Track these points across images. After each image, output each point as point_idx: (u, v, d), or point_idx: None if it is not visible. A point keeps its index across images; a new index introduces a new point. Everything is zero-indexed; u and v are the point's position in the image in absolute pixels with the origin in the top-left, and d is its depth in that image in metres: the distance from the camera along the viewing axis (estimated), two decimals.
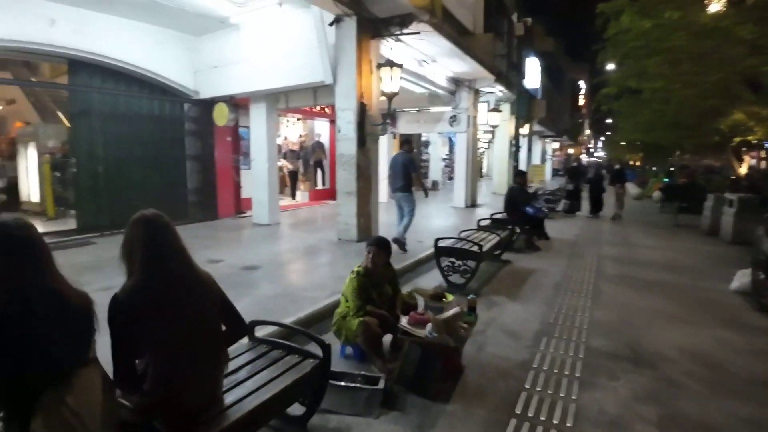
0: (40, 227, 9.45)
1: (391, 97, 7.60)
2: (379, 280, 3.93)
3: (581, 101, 57.02)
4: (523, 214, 8.20)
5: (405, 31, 7.87)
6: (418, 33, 7.92)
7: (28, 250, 1.75)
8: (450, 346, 3.36)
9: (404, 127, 14.12)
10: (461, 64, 11.13)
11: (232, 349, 2.87)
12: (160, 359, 2.03)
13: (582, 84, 54.56)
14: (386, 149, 14.22)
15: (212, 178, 10.66)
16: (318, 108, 13.62)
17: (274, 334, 3.73)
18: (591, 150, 69.64)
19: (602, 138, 66.17)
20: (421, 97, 11.97)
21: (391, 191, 8.18)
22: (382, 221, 9.84)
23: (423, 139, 20.36)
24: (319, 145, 14.48)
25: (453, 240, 5.92)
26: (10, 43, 7.32)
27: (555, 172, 38.39)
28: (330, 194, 14.56)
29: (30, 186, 10.67)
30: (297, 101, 9.74)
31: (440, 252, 5.79)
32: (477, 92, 13.40)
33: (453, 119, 12.95)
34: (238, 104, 10.36)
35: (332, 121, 14.59)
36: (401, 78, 7.99)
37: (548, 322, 4.78)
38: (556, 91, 33.23)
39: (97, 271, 6.30)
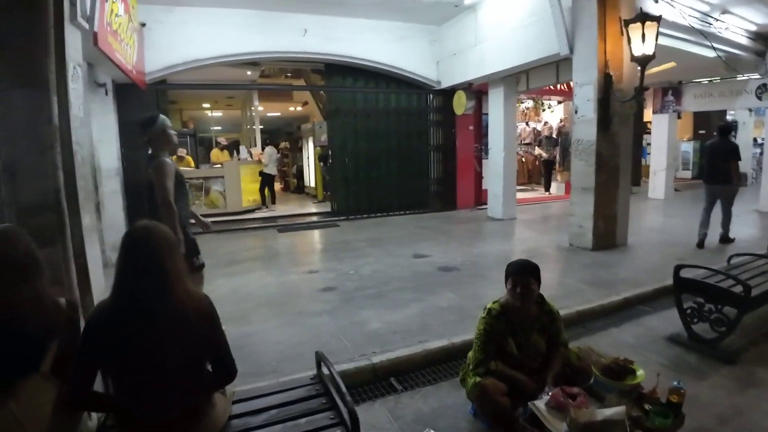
0: (312, 207, 11.21)
1: (644, 62, 5.55)
2: (525, 325, 2.65)
3: None
4: None
5: None
6: None
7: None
8: None
9: (692, 103, 10.67)
10: None
11: (291, 380, 2.52)
12: (119, 390, 1.78)
13: None
14: (665, 132, 11.08)
15: (452, 169, 10.24)
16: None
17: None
18: None
19: None
20: (714, 62, 8.73)
21: (706, 183, 6.68)
22: (649, 225, 7.76)
23: (729, 118, 15.11)
24: None
25: (705, 271, 3.81)
26: (272, 55, 8.49)
27: None
28: None
29: (309, 173, 12.44)
30: (538, 81, 8.32)
31: (682, 286, 3.80)
32: None
33: (761, 90, 9.04)
34: (481, 91, 9.59)
35: None
36: (673, 38, 5.84)
37: None
38: None
39: (312, 254, 6.64)
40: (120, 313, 1.71)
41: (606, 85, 6.03)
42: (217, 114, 16.14)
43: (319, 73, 13.49)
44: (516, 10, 7.33)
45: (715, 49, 7.68)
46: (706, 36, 7.38)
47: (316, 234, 8.39)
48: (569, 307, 4.31)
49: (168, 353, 1.73)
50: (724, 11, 7.57)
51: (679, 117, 11.53)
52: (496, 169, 9.01)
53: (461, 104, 9.30)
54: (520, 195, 11.84)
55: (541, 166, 12.46)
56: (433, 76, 9.74)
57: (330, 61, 9.05)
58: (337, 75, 9.34)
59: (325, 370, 2.48)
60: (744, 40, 8.54)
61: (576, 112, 6.42)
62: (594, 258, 6.06)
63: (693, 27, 7.20)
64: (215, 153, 10.87)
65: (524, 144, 12.97)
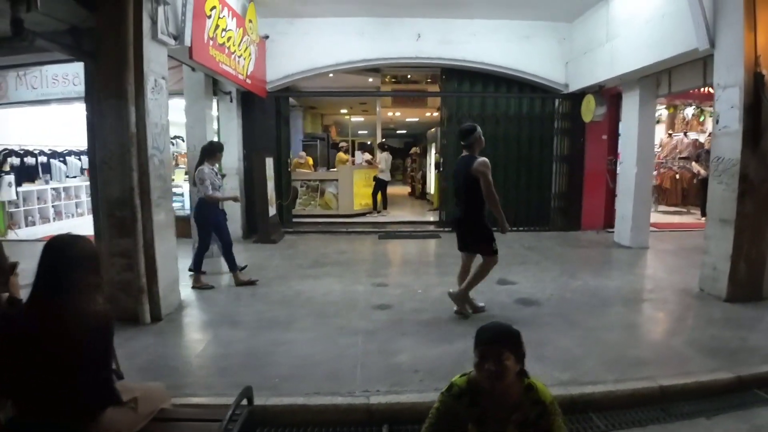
0: (426, 215, 10.72)
1: None
2: (498, 414, 1.90)
3: None
4: None
5: None
6: None
7: None
8: None
9: None
10: None
11: (215, 410, 2.32)
12: (12, 398, 1.84)
13: None
14: None
15: (579, 183, 8.87)
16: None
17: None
18: None
19: None
20: None
21: None
22: None
23: None
24: None
25: None
26: (386, 60, 8.44)
27: None
28: None
29: (430, 179, 12.07)
30: (682, 82, 6.60)
31: None
32: None
33: None
34: (618, 94, 8.11)
35: None
36: None
37: None
38: None
39: (395, 265, 6.27)
40: (29, 325, 1.76)
41: (756, 87, 4.51)
42: (359, 119, 16.69)
43: None
44: None
45: None
46: None
47: (413, 244, 8.03)
48: (652, 379, 3.26)
49: (47, 361, 1.72)
50: None
51: None
52: (627, 186, 7.50)
53: (589, 110, 7.97)
54: (667, 219, 9.90)
55: (699, 185, 10.09)
56: (561, 79, 8.57)
57: (446, 65, 8.60)
58: (453, 79, 8.84)
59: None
60: None
61: (717, 122, 4.95)
62: (726, 312, 4.58)
63: None
64: (340, 156, 11.10)
65: (682, 158, 10.67)
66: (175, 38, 4.87)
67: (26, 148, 9.45)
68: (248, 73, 7.16)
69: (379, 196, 10.59)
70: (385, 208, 10.81)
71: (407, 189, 16.50)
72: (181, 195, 8.13)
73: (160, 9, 4.50)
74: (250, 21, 7.13)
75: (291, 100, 10.75)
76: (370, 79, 10.08)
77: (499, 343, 1.85)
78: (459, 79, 8.80)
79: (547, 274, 6.07)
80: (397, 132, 22.10)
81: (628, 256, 7.00)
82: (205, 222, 5.47)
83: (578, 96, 8.43)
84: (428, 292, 5.37)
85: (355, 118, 16.57)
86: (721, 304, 4.79)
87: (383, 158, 10.44)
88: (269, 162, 7.99)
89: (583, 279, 5.80)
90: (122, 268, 4.46)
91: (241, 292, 5.49)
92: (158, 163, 4.65)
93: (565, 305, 4.90)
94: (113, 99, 4.33)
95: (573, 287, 5.50)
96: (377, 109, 12.36)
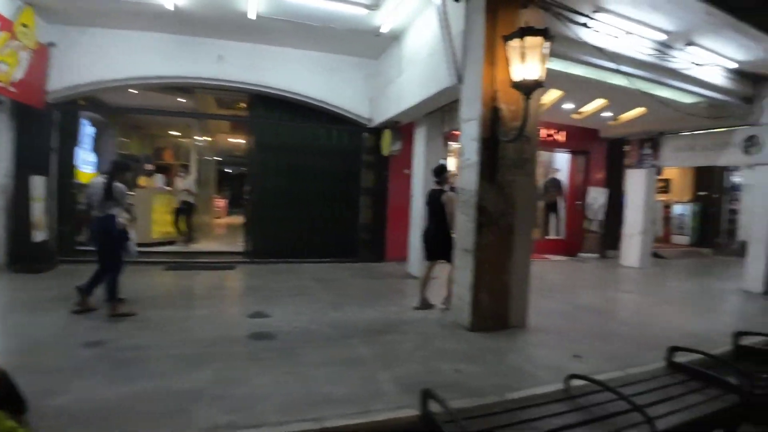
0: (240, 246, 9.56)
1: (528, 90, 4.04)
2: None
3: None
4: None
5: None
6: None
7: None
8: None
9: (671, 157, 8.81)
10: (749, 46, 5.78)
11: None
12: None
13: None
14: (642, 190, 9.22)
15: (382, 216, 8.70)
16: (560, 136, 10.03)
17: None
18: None
19: None
20: (699, 111, 7.06)
21: None
22: (586, 301, 6.27)
23: (738, 181, 12.51)
24: (554, 183, 10.66)
25: None
26: (184, 80, 7.71)
27: None
28: (565, 247, 10.54)
29: None
30: (456, 120, 6.76)
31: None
32: None
33: (749, 143, 7.09)
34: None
35: (574, 152, 10.58)
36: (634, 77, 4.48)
37: None
38: None
39: (145, 300, 5.17)
40: None
41: (493, 121, 4.51)
42: (200, 143, 15.32)
43: None
44: (428, 36, 5.99)
45: (693, 92, 6.36)
46: (669, 74, 5.87)
47: (200, 276, 6.99)
48: (318, 420, 2.79)
49: None
50: (689, 42, 5.83)
51: (659, 173, 9.67)
52: (415, 218, 7.42)
53: (386, 144, 7.90)
54: None
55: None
56: (366, 113, 8.45)
57: (252, 90, 8.01)
58: (260, 106, 8.26)
59: None
60: (724, 82, 6.75)
61: (462, 154, 4.89)
62: (465, 343, 4.35)
63: (654, 63, 5.78)
64: (142, 179, 9.64)
65: None
66: None
67: None
68: (13, 80, 5.92)
69: (182, 222, 9.38)
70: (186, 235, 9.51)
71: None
72: None
73: None
74: (24, 25, 6.00)
75: (97, 115, 9.37)
76: (180, 99, 9.11)
77: None
78: (267, 106, 8.23)
79: (312, 306, 5.50)
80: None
81: (412, 287, 6.72)
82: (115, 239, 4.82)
83: (381, 130, 8.31)
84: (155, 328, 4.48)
85: (198, 142, 15.18)
86: (464, 334, 4.58)
87: (191, 181, 9.37)
88: (38, 180, 6.61)
89: (344, 311, 5.31)
90: None
91: None
92: None
93: (302, 338, 4.32)
94: None
95: (327, 319, 4.96)
96: (191, 131, 11.39)
